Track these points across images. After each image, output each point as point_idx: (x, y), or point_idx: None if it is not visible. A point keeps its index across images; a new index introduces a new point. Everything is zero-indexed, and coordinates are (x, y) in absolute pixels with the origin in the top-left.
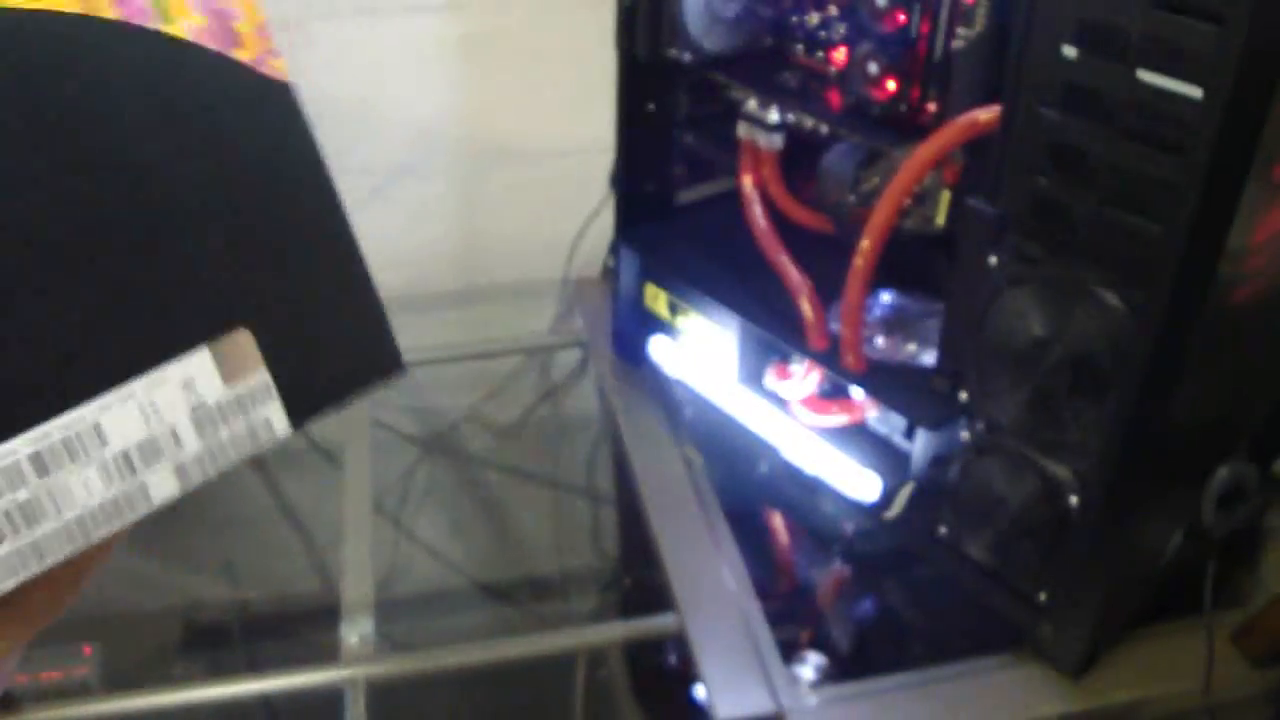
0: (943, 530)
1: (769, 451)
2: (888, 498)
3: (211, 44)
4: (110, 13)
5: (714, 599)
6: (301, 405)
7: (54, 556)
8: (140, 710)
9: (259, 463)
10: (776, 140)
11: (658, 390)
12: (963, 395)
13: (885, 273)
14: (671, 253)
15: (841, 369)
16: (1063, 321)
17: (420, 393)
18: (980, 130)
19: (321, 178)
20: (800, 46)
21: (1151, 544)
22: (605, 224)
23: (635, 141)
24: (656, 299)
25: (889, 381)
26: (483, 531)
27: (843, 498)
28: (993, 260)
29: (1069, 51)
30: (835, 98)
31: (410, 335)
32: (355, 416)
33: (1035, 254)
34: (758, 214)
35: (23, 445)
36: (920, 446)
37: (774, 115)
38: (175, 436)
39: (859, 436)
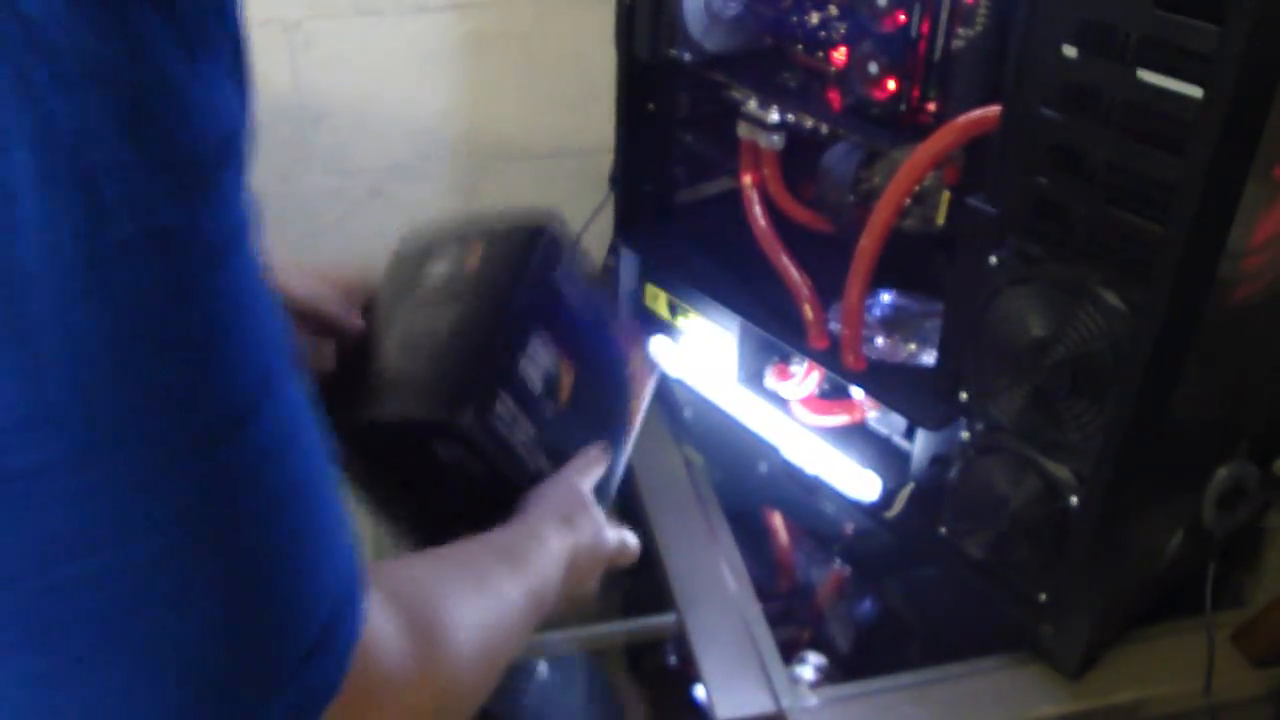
0: (943, 530)
1: (769, 451)
2: (888, 498)
3: None
4: None
5: (714, 599)
6: None
7: None
8: None
9: None
10: (776, 140)
11: (657, 390)
12: (963, 395)
13: (885, 273)
14: (671, 253)
15: (841, 369)
16: (1063, 321)
17: None
18: (980, 130)
19: None
20: (800, 46)
21: (1152, 544)
22: (605, 224)
23: (635, 141)
24: (656, 299)
25: (889, 381)
26: None
27: (843, 498)
28: (993, 260)
29: (1069, 51)
30: (835, 98)
31: None
32: None
33: (1035, 254)
34: (758, 214)
35: None
36: (920, 446)
37: (774, 115)
38: None
39: (859, 436)
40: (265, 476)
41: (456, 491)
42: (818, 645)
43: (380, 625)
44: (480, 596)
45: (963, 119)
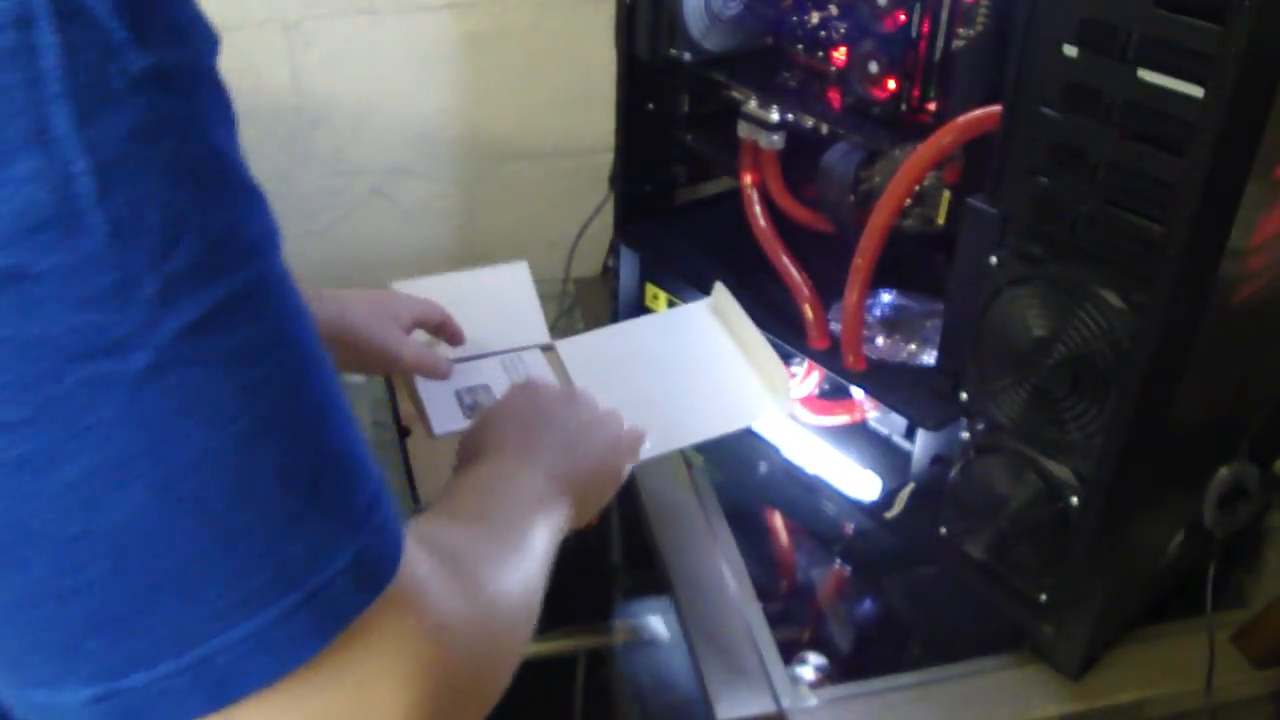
0: (943, 530)
1: (769, 451)
2: (888, 498)
3: None
4: None
5: (714, 599)
6: None
7: None
8: None
9: None
10: (777, 140)
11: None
12: (963, 395)
13: (885, 273)
14: (671, 253)
15: (842, 369)
16: (1063, 321)
17: None
18: (980, 130)
19: None
20: (800, 46)
21: (1152, 544)
22: (605, 224)
23: (635, 141)
24: (656, 299)
25: (889, 381)
26: None
27: (843, 498)
28: (993, 260)
29: (1070, 51)
30: (835, 97)
31: None
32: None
33: (1035, 254)
34: (758, 214)
35: None
36: (920, 446)
37: (774, 115)
38: None
39: (859, 436)
40: (288, 302)
41: None
42: (818, 645)
43: (420, 558)
44: (517, 554)
45: (963, 119)
